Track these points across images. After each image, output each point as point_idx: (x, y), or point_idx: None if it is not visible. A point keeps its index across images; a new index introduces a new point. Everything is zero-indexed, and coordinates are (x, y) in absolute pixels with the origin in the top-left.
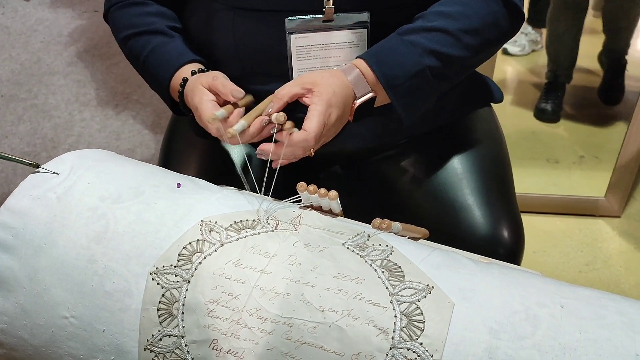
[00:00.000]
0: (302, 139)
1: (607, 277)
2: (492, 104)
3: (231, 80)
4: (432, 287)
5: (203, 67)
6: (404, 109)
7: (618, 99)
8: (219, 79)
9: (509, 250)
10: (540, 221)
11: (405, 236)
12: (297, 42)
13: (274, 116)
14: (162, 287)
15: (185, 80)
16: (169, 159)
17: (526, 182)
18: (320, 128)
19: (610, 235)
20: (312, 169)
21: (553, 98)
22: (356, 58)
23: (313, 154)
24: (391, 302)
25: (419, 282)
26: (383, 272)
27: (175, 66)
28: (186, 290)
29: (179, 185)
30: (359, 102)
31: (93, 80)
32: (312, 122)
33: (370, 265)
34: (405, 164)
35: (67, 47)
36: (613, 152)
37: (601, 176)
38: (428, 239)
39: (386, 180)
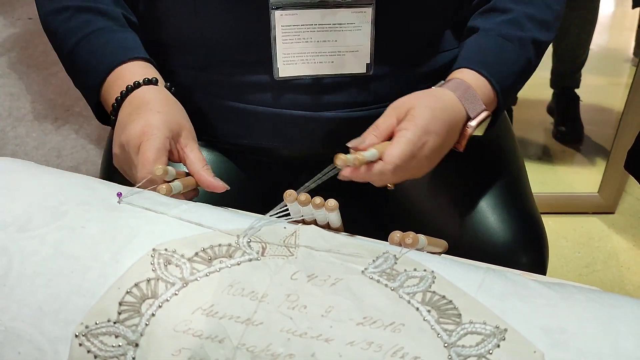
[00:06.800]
0: (376, 171)
1: (609, 279)
2: None
3: (194, 71)
4: (505, 330)
5: (157, 78)
6: None
7: (579, 135)
8: (195, 153)
9: (532, 257)
10: None
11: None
12: (284, 21)
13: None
14: (96, 356)
15: (136, 84)
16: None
17: None
18: (405, 159)
19: (606, 233)
20: (290, 172)
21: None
22: (457, 68)
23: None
24: (449, 357)
25: (485, 324)
26: (429, 311)
27: (118, 60)
28: (133, 358)
29: (119, 195)
30: (474, 123)
31: (28, 92)
32: (395, 149)
33: (409, 302)
34: None
35: None
36: (602, 145)
37: (591, 171)
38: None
39: None
